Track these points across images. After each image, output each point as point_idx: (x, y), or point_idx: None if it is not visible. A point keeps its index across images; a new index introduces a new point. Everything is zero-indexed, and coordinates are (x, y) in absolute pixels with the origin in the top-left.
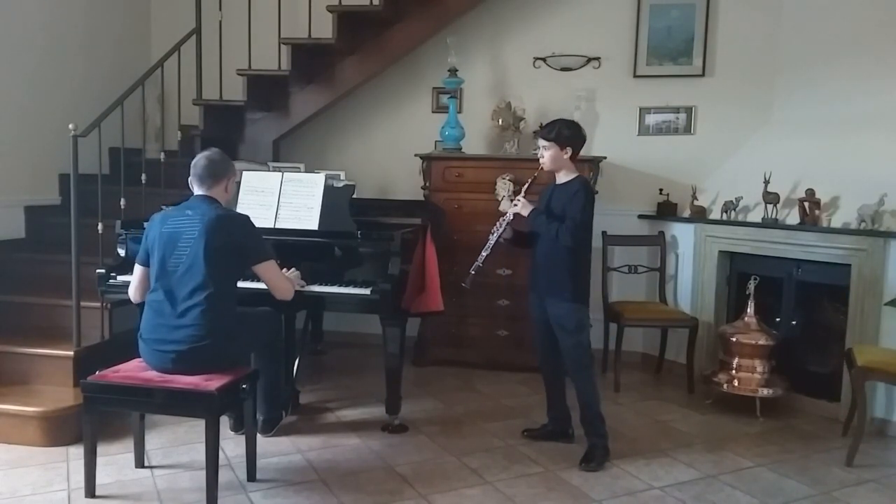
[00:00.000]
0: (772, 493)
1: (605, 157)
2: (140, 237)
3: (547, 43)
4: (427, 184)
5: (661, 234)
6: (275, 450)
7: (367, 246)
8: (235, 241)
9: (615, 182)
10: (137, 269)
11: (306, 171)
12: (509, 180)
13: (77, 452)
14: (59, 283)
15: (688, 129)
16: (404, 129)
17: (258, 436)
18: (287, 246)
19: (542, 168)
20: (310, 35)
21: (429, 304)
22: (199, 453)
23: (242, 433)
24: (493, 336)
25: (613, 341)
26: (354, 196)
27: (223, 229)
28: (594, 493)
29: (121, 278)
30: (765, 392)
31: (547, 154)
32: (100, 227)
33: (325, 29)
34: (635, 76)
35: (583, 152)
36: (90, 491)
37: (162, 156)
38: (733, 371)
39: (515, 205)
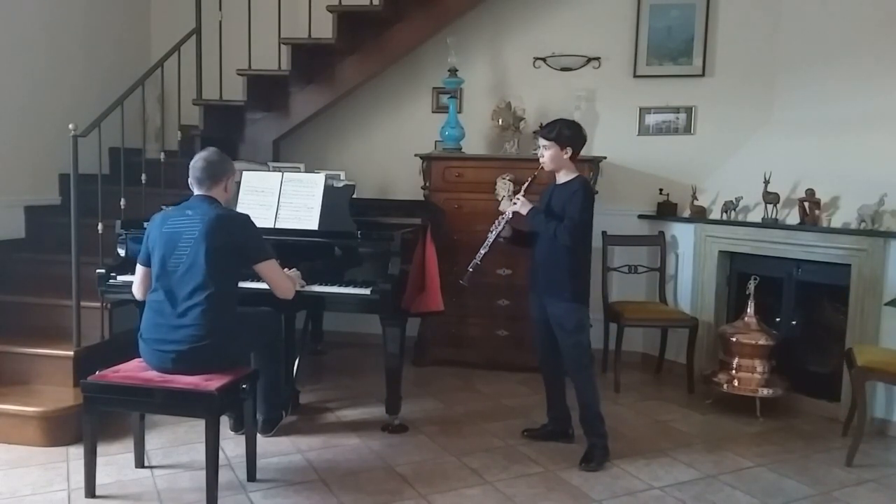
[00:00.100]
0: (772, 493)
1: (605, 157)
2: (140, 237)
3: (547, 43)
4: (427, 184)
5: (661, 234)
6: (275, 450)
7: (367, 246)
8: (236, 240)
9: (615, 182)
10: (139, 268)
11: (306, 171)
12: (509, 180)
13: (77, 452)
14: (59, 283)
15: (688, 129)
16: (404, 129)
17: (258, 436)
18: (287, 246)
19: (542, 167)
20: (310, 35)
21: (429, 304)
22: (199, 453)
23: (242, 433)
24: (493, 336)
25: (613, 341)
26: (354, 196)
27: (223, 229)
28: (594, 493)
29: (121, 278)
30: (765, 392)
31: (547, 154)
32: (100, 227)
33: (325, 29)
34: (635, 76)
35: (583, 152)
36: (90, 491)
37: (162, 156)
38: (733, 371)
39: (515, 203)
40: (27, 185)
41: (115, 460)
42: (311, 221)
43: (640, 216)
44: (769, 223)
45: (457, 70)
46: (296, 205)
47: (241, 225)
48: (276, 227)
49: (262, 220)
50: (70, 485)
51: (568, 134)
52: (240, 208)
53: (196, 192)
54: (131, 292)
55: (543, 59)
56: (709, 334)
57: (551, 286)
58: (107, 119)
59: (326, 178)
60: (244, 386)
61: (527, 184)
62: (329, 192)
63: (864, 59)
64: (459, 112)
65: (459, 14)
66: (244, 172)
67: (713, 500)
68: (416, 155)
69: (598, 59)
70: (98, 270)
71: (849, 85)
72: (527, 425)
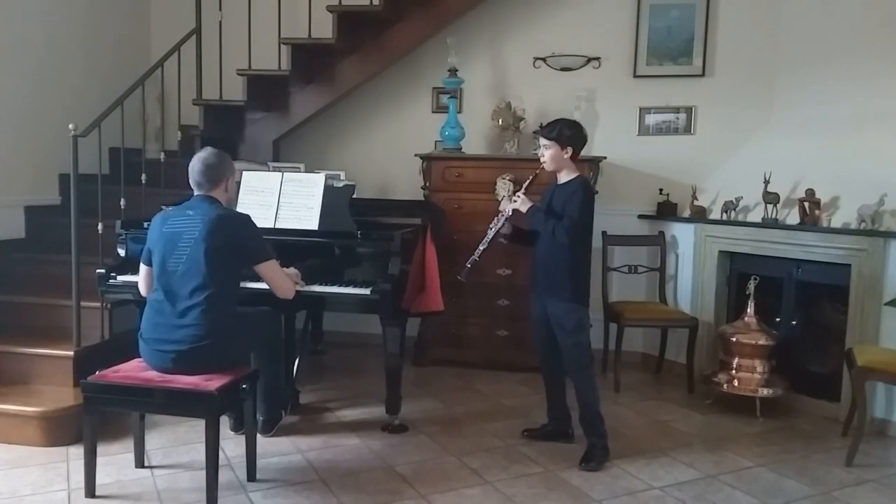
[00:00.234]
0: (772, 493)
1: (605, 157)
2: (140, 237)
3: (547, 43)
4: (427, 184)
5: (661, 234)
6: (275, 450)
7: (367, 246)
8: (236, 241)
9: (615, 182)
10: (142, 268)
11: (306, 171)
12: (509, 180)
13: (77, 452)
14: (59, 283)
15: (688, 129)
16: (404, 129)
17: (258, 436)
18: (287, 246)
19: (542, 167)
20: (310, 35)
21: (429, 304)
22: (199, 453)
23: (242, 433)
24: (493, 336)
25: (613, 341)
26: (354, 196)
27: (224, 229)
28: (594, 493)
29: (121, 278)
30: (765, 392)
31: (547, 153)
32: (100, 227)
33: (325, 29)
34: (635, 76)
35: (583, 152)
36: (90, 491)
37: (162, 156)
38: (733, 371)
39: (515, 201)
40: (27, 185)
41: (115, 460)
42: (311, 221)
43: (640, 216)
44: (769, 223)
45: (457, 70)
46: (296, 205)
47: (241, 225)
48: (276, 227)
49: (262, 220)
50: (70, 485)
51: (568, 134)
52: (240, 208)
53: (196, 192)
54: (131, 292)
55: (543, 59)
56: (709, 334)
57: (551, 286)
58: (107, 119)
59: (326, 178)
60: (244, 386)
61: (527, 182)
62: (329, 192)
63: (864, 59)
64: (459, 112)
65: (459, 14)
66: (244, 172)
67: (713, 500)
68: (416, 155)
69: (598, 59)
70: (98, 270)
71: (849, 85)
72: (527, 425)
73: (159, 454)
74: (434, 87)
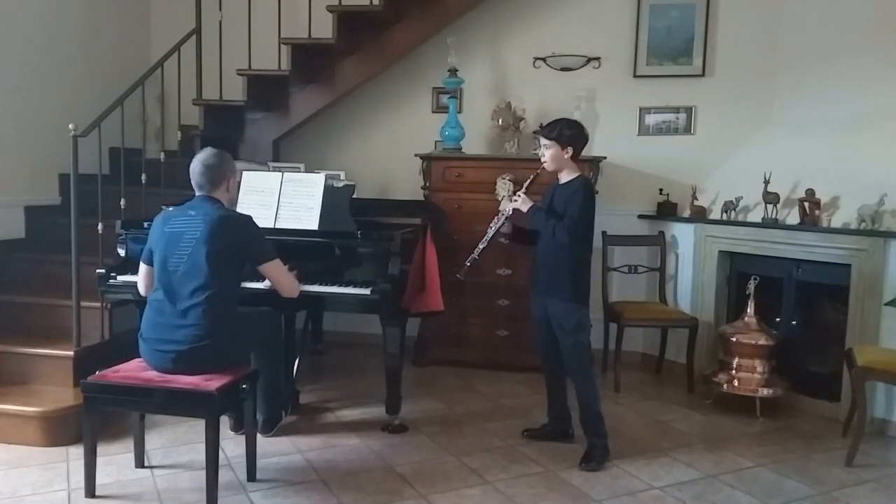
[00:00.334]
0: (772, 493)
1: (605, 157)
2: (140, 237)
3: (547, 43)
4: (427, 184)
5: (661, 234)
6: (275, 450)
7: (367, 246)
8: (238, 241)
9: (615, 182)
10: (142, 267)
11: (306, 171)
12: (509, 180)
13: (77, 452)
14: (59, 283)
15: (688, 129)
16: (404, 129)
17: (258, 436)
18: (287, 246)
19: (543, 167)
20: (310, 35)
21: (429, 304)
22: (199, 453)
23: (242, 433)
24: (493, 336)
25: (613, 341)
26: (354, 196)
27: (226, 230)
28: (594, 493)
29: (121, 278)
30: (765, 392)
31: (548, 153)
32: (100, 227)
33: (325, 29)
34: (635, 76)
35: (583, 152)
36: (90, 491)
37: (162, 156)
38: (733, 371)
39: (515, 200)
40: (27, 185)
41: (115, 460)
42: (311, 221)
43: (640, 216)
44: (769, 223)
45: (457, 70)
46: (296, 205)
47: (243, 226)
48: (276, 227)
49: (262, 220)
50: (70, 485)
51: (569, 134)
52: (240, 208)
53: (198, 193)
54: (131, 292)
55: (543, 59)
56: (709, 334)
57: (552, 286)
58: (107, 119)
59: (326, 178)
60: (244, 386)
61: (528, 182)
62: (329, 192)
63: (864, 59)
64: (459, 112)
65: (459, 14)
66: (244, 172)
67: (713, 500)
68: (416, 155)
69: (598, 59)
70: (98, 270)
71: (849, 85)
72: (527, 425)
73: (159, 454)
74: (434, 87)
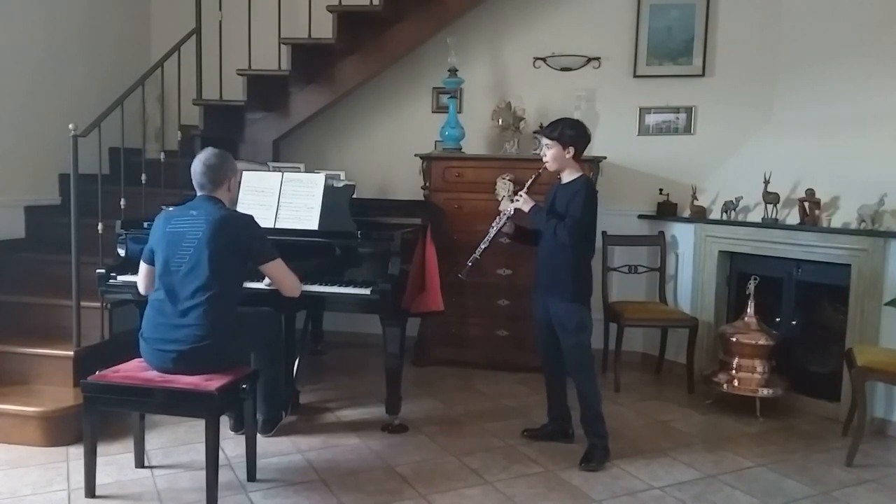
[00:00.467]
0: (772, 493)
1: (605, 157)
2: (140, 237)
3: (547, 43)
4: (427, 184)
5: (661, 234)
6: (275, 450)
7: (367, 246)
8: (240, 242)
9: (615, 182)
10: (143, 266)
11: (306, 171)
12: (509, 180)
13: (77, 452)
14: (59, 283)
15: (688, 129)
16: (404, 129)
17: (258, 436)
18: (287, 246)
19: (544, 167)
20: (310, 35)
21: (429, 304)
22: (199, 453)
23: (242, 433)
24: (493, 336)
25: (613, 341)
26: (354, 196)
27: (227, 231)
28: (594, 493)
29: (121, 278)
30: (765, 392)
31: (549, 153)
32: (100, 227)
33: (325, 29)
34: (635, 76)
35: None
36: (90, 491)
37: (162, 156)
38: (733, 371)
39: (517, 200)
40: (27, 185)
41: (115, 460)
42: (311, 221)
43: (640, 216)
44: (769, 223)
45: (457, 70)
46: (296, 205)
47: (244, 226)
48: (276, 227)
49: (263, 220)
50: (70, 485)
51: (571, 133)
52: (240, 208)
53: (199, 193)
54: (131, 292)
55: (543, 59)
56: (709, 334)
57: (553, 286)
58: (107, 119)
59: (326, 178)
60: (244, 386)
61: (529, 182)
62: (329, 192)
63: (864, 59)
64: (459, 112)
65: (459, 14)
66: (244, 172)
67: (713, 500)
68: (416, 155)
69: (598, 59)
70: (98, 270)
71: (849, 85)
72: (527, 425)
73: (159, 454)
74: (434, 87)
